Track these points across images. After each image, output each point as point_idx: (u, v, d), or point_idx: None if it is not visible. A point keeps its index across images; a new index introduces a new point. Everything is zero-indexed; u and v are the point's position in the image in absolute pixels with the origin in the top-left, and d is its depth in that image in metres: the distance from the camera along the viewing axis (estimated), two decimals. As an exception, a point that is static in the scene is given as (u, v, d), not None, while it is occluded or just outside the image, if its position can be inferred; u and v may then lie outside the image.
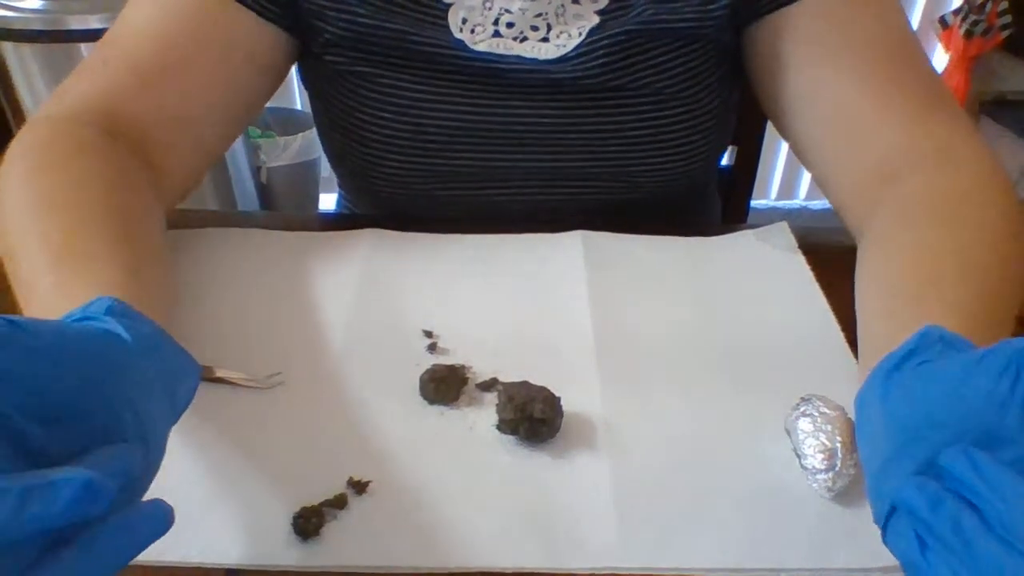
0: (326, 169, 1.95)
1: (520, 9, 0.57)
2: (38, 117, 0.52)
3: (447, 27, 0.58)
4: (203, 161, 0.59)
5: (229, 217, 0.65)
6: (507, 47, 0.58)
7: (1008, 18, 1.76)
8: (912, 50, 0.55)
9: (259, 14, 0.56)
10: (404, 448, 0.43)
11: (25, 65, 1.37)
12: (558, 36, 0.58)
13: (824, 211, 2.32)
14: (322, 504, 0.39)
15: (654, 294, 0.55)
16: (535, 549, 0.38)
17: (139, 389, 0.30)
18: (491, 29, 0.58)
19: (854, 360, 0.49)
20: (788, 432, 0.43)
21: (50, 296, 0.37)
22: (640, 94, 0.59)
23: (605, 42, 0.57)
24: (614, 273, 0.57)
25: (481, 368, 0.48)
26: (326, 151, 0.68)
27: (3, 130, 1.46)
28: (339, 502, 0.40)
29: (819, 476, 0.40)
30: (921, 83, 0.53)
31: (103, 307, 0.33)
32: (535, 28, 0.58)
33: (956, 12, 1.80)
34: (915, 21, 1.86)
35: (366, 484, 0.41)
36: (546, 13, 0.58)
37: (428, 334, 0.51)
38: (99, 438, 0.28)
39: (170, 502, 0.39)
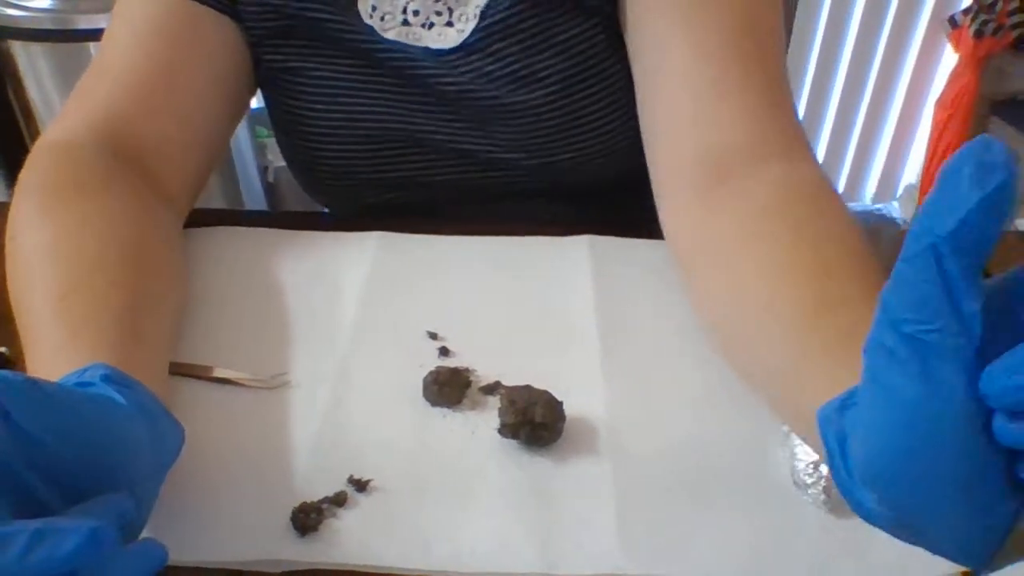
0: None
1: None
2: (42, 143, 0.53)
3: (358, 13, 0.58)
4: (208, 159, 0.61)
5: (236, 216, 0.65)
6: (415, 36, 0.58)
7: (1019, 17, 1.74)
8: (765, 41, 0.50)
9: (216, 9, 0.57)
10: (406, 450, 0.43)
11: (34, 64, 1.37)
12: (460, 19, 0.58)
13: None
14: (322, 500, 0.40)
15: (660, 300, 0.55)
16: (534, 554, 0.38)
17: (132, 450, 0.33)
18: (400, 17, 0.58)
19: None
20: (788, 442, 0.43)
21: (50, 356, 0.39)
22: (550, 73, 0.58)
23: (499, 27, 0.56)
24: (620, 278, 0.57)
25: (485, 371, 0.48)
26: (283, 156, 0.69)
27: (13, 128, 1.46)
28: (339, 499, 0.40)
29: (810, 490, 0.40)
30: (768, 78, 0.49)
31: (98, 374, 0.34)
32: (439, 13, 0.58)
33: (966, 12, 1.78)
34: (923, 21, 1.84)
35: (367, 483, 0.41)
36: None
37: (433, 336, 0.51)
38: (94, 494, 0.30)
39: (171, 497, 0.40)
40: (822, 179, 0.45)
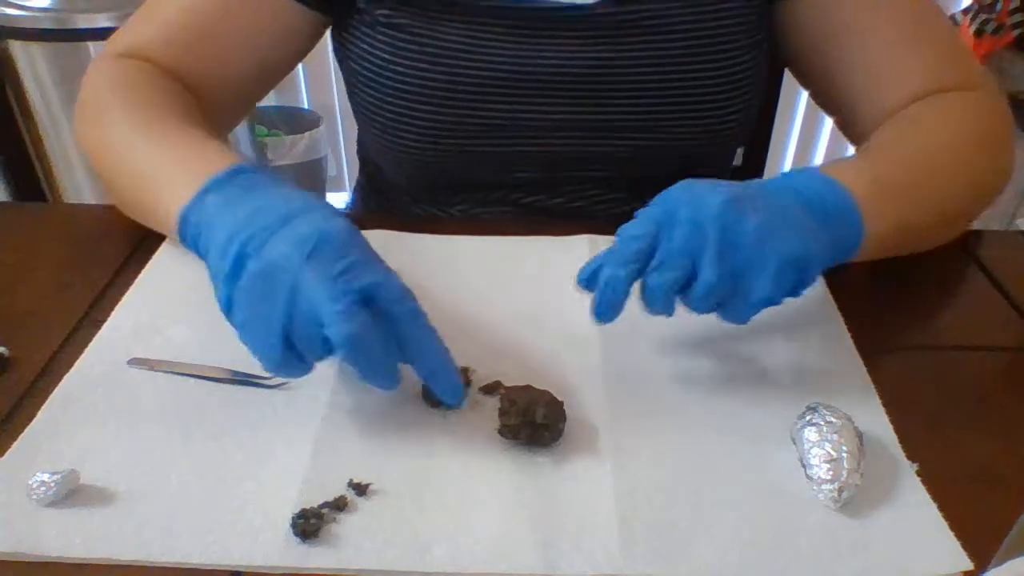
0: (333, 168, 1.96)
1: None
2: (100, 57, 0.62)
3: None
4: (240, 108, 0.69)
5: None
6: None
7: (1019, 16, 1.74)
8: (934, 11, 0.63)
9: None
10: (406, 451, 0.43)
11: (33, 63, 1.37)
12: None
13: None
14: (322, 506, 0.39)
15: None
16: (535, 555, 0.38)
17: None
18: None
19: (863, 368, 0.49)
20: (794, 441, 0.43)
21: (180, 172, 0.49)
22: (676, 42, 0.60)
23: None
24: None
25: (485, 371, 0.48)
26: (356, 114, 0.70)
27: (12, 128, 1.46)
28: (340, 504, 0.40)
29: (824, 487, 0.40)
30: (943, 39, 0.62)
31: (232, 168, 0.47)
32: None
33: (966, 11, 1.78)
34: (925, 20, 1.84)
35: (367, 486, 0.41)
36: None
37: (432, 337, 0.51)
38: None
39: (172, 502, 0.40)
40: (993, 102, 0.60)
